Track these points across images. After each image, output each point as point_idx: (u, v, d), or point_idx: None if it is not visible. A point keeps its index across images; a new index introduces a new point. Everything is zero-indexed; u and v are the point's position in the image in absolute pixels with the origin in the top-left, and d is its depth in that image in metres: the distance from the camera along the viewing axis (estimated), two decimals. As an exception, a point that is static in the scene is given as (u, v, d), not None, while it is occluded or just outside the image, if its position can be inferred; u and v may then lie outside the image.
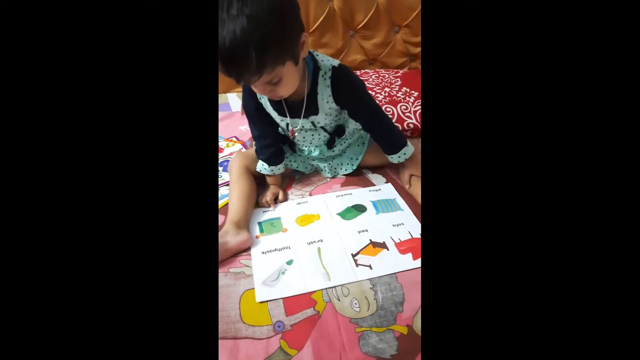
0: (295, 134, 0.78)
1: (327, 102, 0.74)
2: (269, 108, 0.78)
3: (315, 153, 0.85)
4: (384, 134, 0.82)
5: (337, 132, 0.84)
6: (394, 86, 1.13)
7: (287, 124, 0.79)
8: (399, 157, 0.82)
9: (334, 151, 0.86)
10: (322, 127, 0.80)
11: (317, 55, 0.73)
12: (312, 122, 0.78)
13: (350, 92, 0.74)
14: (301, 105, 0.73)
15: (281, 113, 0.77)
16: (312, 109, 0.75)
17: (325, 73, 0.72)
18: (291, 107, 0.75)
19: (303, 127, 0.79)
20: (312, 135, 0.82)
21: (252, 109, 0.79)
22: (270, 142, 0.81)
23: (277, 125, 0.83)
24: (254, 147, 0.92)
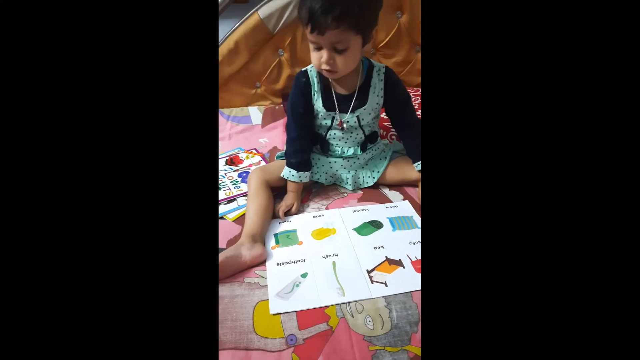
0: (344, 125, 0.84)
1: (378, 96, 0.83)
2: (318, 103, 0.83)
3: (349, 153, 0.88)
4: (417, 138, 0.86)
5: (371, 137, 0.89)
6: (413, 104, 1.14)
7: (333, 119, 0.83)
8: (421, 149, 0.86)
9: (366, 153, 0.89)
10: (361, 128, 0.85)
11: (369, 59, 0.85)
12: (357, 118, 0.83)
13: (400, 88, 0.86)
14: (351, 98, 0.82)
15: (330, 108, 0.82)
16: (362, 101, 0.82)
17: (380, 70, 0.83)
18: (340, 101, 0.82)
19: (348, 121, 0.83)
20: (351, 133, 0.86)
21: (301, 108, 0.83)
22: (304, 147, 0.85)
23: (314, 131, 0.87)
24: (277, 159, 0.94)
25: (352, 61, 0.76)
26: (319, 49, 0.73)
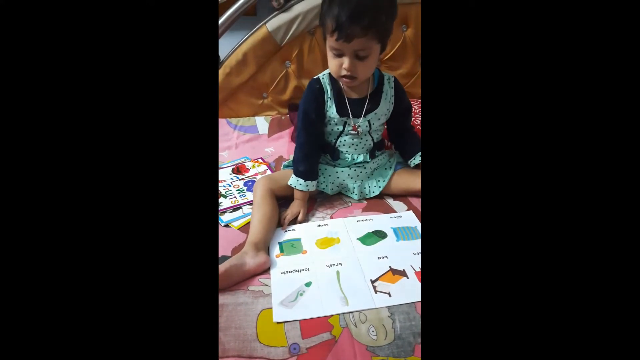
0: (358, 129, 0.86)
1: (389, 102, 0.87)
2: (332, 110, 0.84)
3: (359, 159, 0.89)
4: (413, 138, 0.93)
5: (378, 145, 0.92)
6: (418, 116, 1.15)
7: (345, 124, 0.85)
8: (421, 156, 0.90)
9: (373, 162, 0.91)
10: (370, 134, 0.88)
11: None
12: (369, 122, 0.85)
13: (406, 98, 0.91)
14: (363, 102, 0.85)
15: (342, 114, 0.84)
16: (373, 105, 0.86)
17: (389, 79, 0.88)
18: (353, 105, 0.85)
19: (360, 125, 0.84)
20: (361, 139, 0.87)
21: (314, 114, 0.84)
22: (313, 153, 0.87)
23: (323, 139, 0.89)
24: (283, 168, 0.95)
25: (371, 68, 0.79)
26: (340, 55, 0.75)
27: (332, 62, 0.77)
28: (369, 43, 0.73)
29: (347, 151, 0.89)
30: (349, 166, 0.89)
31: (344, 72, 0.76)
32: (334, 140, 0.88)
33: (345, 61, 0.75)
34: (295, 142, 0.88)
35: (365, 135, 0.87)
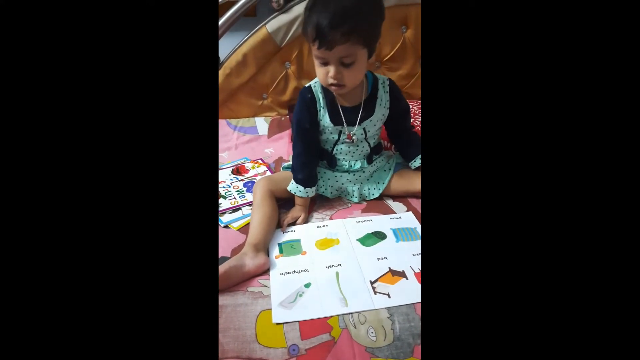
0: (353, 138, 0.85)
1: (385, 107, 0.86)
2: (325, 119, 0.83)
3: (357, 166, 0.89)
4: (413, 139, 0.92)
5: (376, 149, 0.91)
6: (417, 117, 1.15)
7: (340, 132, 0.84)
8: (421, 158, 0.89)
9: (371, 166, 0.90)
10: (366, 140, 0.87)
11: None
12: (364, 129, 0.84)
13: (402, 100, 0.90)
14: (357, 110, 0.83)
15: (337, 122, 0.83)
16: (368, 113, 0.84)
17: (384, 82, 0.86)
18: (346, 113, 0.83)
19: (355, 134, 0.84)
20: (357, 146, 0.87)
21: (307, 123, 0.83)
22: (311, 162, 0.86)
23: (320, 146, 0.89)
24: (283, 170, 0.95)
25: (359, 74, 0.77)
26: (325, 64, 0.74)
27: (319, 71, 0.76)
28: (352, 49, 0.71)
29: (344, 159, 0.88)
30: (347, 171, 0.89)
31: (330, 81, 0.74)
32: (330, 149, 0.87)
33: (331, 69, 0.73)
34: (292, 151, 0.87)
35: (361, 142, 0.86)
